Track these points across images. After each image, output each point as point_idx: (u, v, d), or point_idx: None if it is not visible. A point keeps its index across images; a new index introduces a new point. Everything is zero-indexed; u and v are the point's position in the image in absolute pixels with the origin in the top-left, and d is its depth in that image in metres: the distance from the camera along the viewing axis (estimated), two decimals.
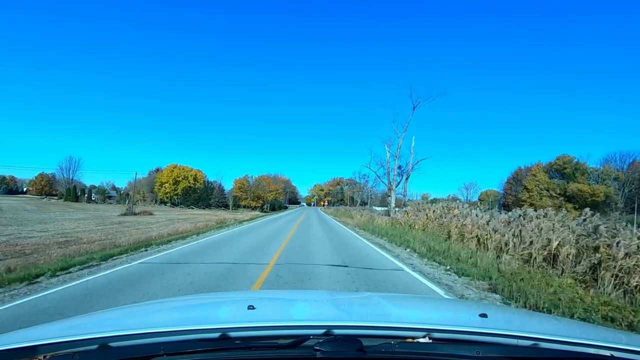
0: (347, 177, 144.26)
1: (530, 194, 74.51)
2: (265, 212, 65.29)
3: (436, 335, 1.11)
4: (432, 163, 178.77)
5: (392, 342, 1.07)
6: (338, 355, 1.02)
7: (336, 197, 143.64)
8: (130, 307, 2.03)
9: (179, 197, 75.91)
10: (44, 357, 0.99)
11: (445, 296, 5.63)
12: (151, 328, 1.11)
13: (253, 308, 1.41)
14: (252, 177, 65.99)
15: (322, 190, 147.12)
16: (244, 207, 62.70)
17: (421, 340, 1.10)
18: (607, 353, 1.05)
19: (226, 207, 72.58)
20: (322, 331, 1.09)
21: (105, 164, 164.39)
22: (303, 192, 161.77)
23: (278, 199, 69.12)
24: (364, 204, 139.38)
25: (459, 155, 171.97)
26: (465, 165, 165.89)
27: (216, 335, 1.07)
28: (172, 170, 76.93)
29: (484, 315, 1.41)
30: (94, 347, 1.02)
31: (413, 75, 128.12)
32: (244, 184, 64.06)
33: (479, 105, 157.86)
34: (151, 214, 43.70)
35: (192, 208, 71.32)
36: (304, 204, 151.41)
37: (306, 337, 1.06)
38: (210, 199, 73.10)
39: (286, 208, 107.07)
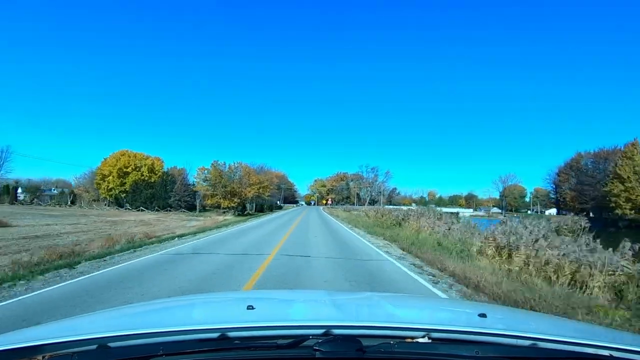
0: (351, 172, 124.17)
1: (627, 185, 51.92)
2: (245, 215, 44.56)
3: (435, 335, 1.10)
4: (431, 155, 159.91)
5: (392, 342, 1.06)
6: (337, 355, 1.01)
7: (341, 195, 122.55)
8: (129, 307, 2.03)
9: (128, 194, 55.29)
10: (43, 357, 0.98)
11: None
12: (150, 328, 1.10)
13: (252, 308, 1.41)
14: (225, 164, 46.39)
15: (324, 186, 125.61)
16: (220, 208, 42.78)
17: (420, 340, 1.09)
18: (606, 353, 1.04)
19: (192, 207, 51.91)
20: (321, 331, 1.08)
21: (56, 157, 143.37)
22: (302, 190, 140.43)
23: (262, 196, 48.57)
24: (373, 202, 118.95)
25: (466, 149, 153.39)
26: (472, 158, 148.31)
27: (215, 335, 1.06)
28: (119, 159, 56.42)
29: (483, 315, 1.40)
30: (93, 347, 1.01)
31: None
32: (212, 174, 43.95)
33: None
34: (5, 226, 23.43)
35: (142, 210, 50.65)
36: (303, 203, 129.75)
37: (305, 337, 1.05)
38: (170, 197, 52.61)
39: (280, 208, 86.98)
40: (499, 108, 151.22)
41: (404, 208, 41.86)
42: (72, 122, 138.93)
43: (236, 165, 45.28)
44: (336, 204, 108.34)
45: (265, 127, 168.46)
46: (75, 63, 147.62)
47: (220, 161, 44.51)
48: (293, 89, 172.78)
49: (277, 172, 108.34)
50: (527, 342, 1.09)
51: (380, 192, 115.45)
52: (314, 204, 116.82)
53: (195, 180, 47.43)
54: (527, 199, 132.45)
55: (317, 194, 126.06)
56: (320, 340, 1.03)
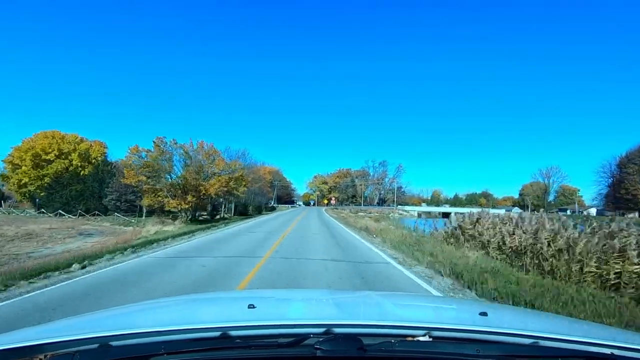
0: (355, 169, 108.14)
1: None
2: (213, 221, 28.39)
3: (436, 333, 1.10)
4: (437, 153, 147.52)
5: (393, 341, 1.06)
6: (338, 353, 1.01)
7: (345, 193, 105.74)
8: (130, 307, 1.97)
9: (45, 191, 38.29)
10: (45, 356, 0.98)
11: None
12: (152, 327, 1.09)
13: (253, 307, 1.40)
14: (175, 143, 29.45)
15: (326, 183, 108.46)
16: (181, 210, 26.13)
17: (421, 338, 1.08)
18: (608, 351, 1.04)
19: (132, 211, 35.31)
20: (322, 330, 1.08)
21: None
22: (301, 189, 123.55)
23: (235, 193, 31.22)
24: (381, 202, 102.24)
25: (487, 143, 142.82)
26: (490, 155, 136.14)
27: (216, 334, 1.06)
28: (39, 142, 39.18)
29: (484, 314, 1.39)
30: (95, 346, 1.01)
31: None
32: (153, 157, 25.58)
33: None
34: None
35: (62, 214, 34.26)
36: (300, 203, 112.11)
37: (306, 336, 1.04)
38: (107, 196, 36.08)
39: (273, 209, 71.10)
40: (507, 106, 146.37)
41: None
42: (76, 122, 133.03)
43: (194, 147, 28.97)
44: (340, 204, 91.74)
45: (263, 125, 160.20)
46: (74, 62, 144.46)
47: (170, 138, 27.86)
48: (290, 87, 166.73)
49: (271, 167, 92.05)
50: (529, 341, 1.08)
51: (392, 190, 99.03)
52: (314, 204, 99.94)
53: (126, 167, 28.76)
54: (550, 198, 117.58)
55: (318, 193, 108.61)
56: (321, 339, 1.02)
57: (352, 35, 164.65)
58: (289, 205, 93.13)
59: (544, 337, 1.08)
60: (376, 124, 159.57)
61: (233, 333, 1.06)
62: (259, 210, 55.47)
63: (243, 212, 47.64)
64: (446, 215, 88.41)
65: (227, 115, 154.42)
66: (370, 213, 75.85)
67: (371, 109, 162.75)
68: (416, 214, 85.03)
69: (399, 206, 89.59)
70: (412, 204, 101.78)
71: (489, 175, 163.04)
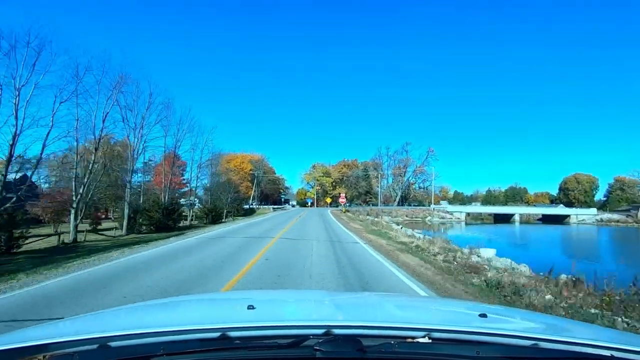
0: (363, 160, 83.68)
1: None
2: None
3: (436, 335, 1.11)
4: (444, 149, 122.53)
5: (392, 342, 1.07)
6: (338, 355, 1.02)
7: (356, 189, 79.80)
8: (130, 307, 2.00)
9: None
10: (44, 356, 0.99)
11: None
12: (151, 328, 1.10)
13: (253, 308, 1.41)
14: None
15: (329, 174, 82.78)
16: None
17: (421, 340, 1.09)
18: (607, 353, 1.05)
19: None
20: (322, 331, 1.08)
21: None
22: (295, 185, 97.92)
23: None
24: (403, 200, 76.11)
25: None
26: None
27: (216, 335, 1.07)
28: None
29: (483, 315, 1.40)
30: (94, 346, 1.02)
31: None
32: None
33: None
34: None
35: None
36: (294, 203, 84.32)
37: (306, 337, 1.05)
38: None
39: (251, 213, 47.66)
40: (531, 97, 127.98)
41: None
42: None
43: None
44: (349, 203, 66.45)
45: (252, 117, 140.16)
46: None
47: None
48: (286, 84, 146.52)
49: (252, 155, 66.55)
50: (528, 342, 1.09)
51: (419, 184, 73.55)
52: (312, 205, 74.45)
53: None
54: (597, 195, 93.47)
55: (318, 188, 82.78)
56: (320, 340, 1.02)
57: (354, 20, 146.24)
58: (272, 207, 65.96)
59: (544, 339, 1.08)
60: (377, 120, 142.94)
61: (232, 334, 1.06)
62: (214, 218, 30.68)
63: (163, 226, 22.49)
64: (500, 217, 63.99)
65: (216, 105, 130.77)
66: (396, 217, 49.63)
67: (374, 102, 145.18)
68: (463, 217, 60.73)
69: (434, 206, 63.83)
70: (427, 203, 77.16)
71: (511, 170, 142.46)
